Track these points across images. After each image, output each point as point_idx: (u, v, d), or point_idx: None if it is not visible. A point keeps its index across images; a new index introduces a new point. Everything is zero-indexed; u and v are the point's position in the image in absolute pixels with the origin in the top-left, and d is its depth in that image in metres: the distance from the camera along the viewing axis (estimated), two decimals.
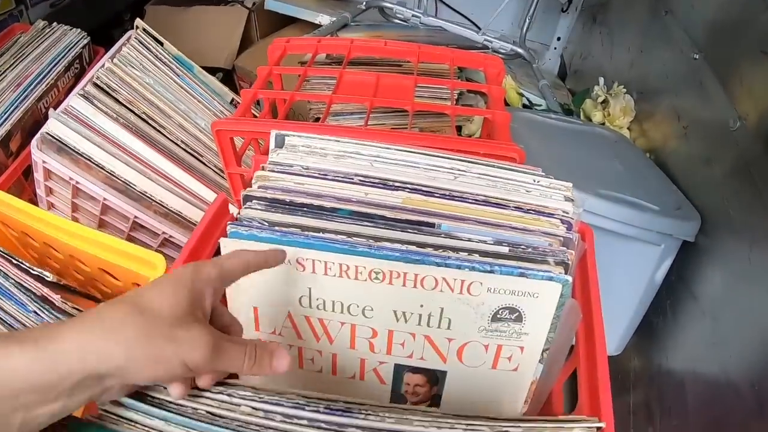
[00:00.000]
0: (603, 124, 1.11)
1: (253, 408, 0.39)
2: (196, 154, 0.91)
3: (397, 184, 0.51)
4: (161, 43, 0.96)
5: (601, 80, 1.16)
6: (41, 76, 1.03)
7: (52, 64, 1.06)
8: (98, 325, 0.37)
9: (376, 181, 0.51)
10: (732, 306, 0.73)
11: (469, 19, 1.69)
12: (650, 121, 1.06)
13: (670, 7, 1.03)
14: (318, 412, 0.38)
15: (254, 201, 0.50)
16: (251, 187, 0.52)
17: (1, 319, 0.60)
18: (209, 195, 0.86)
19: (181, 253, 0.53)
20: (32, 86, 1.02)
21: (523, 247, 0.47)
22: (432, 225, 0.48)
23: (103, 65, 0.88)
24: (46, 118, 0.94)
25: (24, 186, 0.94)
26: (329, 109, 0.73)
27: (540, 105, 1.21)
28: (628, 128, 1.11)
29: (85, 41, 1.11)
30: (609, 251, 0.77)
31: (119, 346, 0.37)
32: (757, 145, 0.71)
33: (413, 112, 0.72)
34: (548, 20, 1.64)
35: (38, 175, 0.88)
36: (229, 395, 0.39)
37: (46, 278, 0.61)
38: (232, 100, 1.00)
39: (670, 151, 0.97)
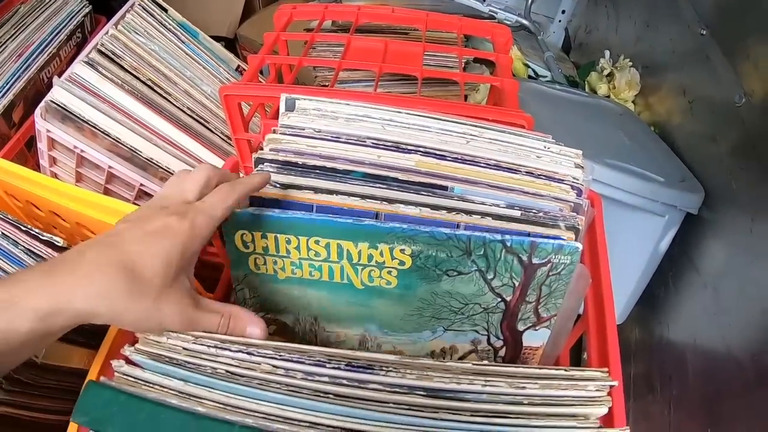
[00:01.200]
0: (608, 96, 1.11)
1: (274, 366, 0.39)
2: (202, 121, 0.90)
3: (409, 147, 0.51)
4: (165, 10, 0.95)
5: (607, 53, 1.16)
6: (43, 45, 1.02)
7: (54, 33, 1.05)
8: (86, 281, 0.38)
9: (389, 144, 0.51)
10: (733, 278, 0.74)
11: None
12: (655, 95, 1.06)
13: None
14: (339, 369, 0.38)
15: (266, 163, 0.50)
16: (262, 150, 0.52)
17: None
18: (216, 161, 0.86)
19: None
20: (34, 56, 1.01)
21: (534, 211, 0.47)
22: (445, 188, 0.48)
23: (107, 32, 0.87)
24: (48, 87, 0.93)
25: (27, 157, 0.93)
26: (337, 75, 0.72)
27: (545, 77, 1.20)
28: (633, 102, 1.11)
29: (87, 10, 1.09)
30: (614, 220, 0.77)
31: (103, 305, 0.38)
32: (762, 121, 0.71)
33: (422, 78, 0.72)
34: None
35: (42, 145, 0.88)
36: (248, 353, 0.40)
37: (56, 243, 0.60)
38: (238, 66, 0.99)
39: (675, 126, 0.97)
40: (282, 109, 0.57)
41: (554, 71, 1.20)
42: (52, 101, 0.82)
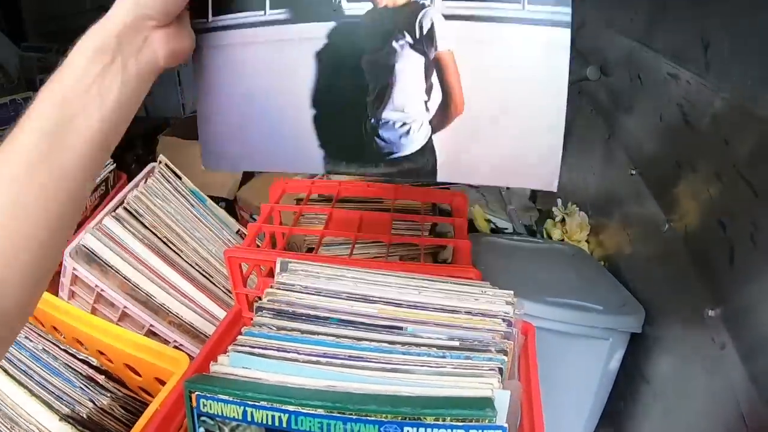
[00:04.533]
0: (562, 240, 1.28)
1: None
2: (207, 275, 1.06)
3: (374, 298, 0.66)
4: (180, 178, 1.14)
5: (559, 201, 1.34)
6: None
7: None
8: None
9: (358, 296, 0.66)
10: (678, 386, 0.84)
11: None
12: (604, 232, 1.22)
13: (612, 132, 1.21)
14: None
15: (265, 311, 0.65)
16: (262, 300, 0.67)
17: (52, 392, 0.73)
18: (217, 311, 1.01)
19: (201, 350, 0.69)
20: None
21: (470, 340, 0.61)
22: (400, 328, 0.63)
23: (131, 191, 1.05)
24: (79, 225, 1.08)
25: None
26: (321, 241, 0.90)
27: (507, 228, 1.38)
28: (586, 241, 1.26)
29: (111, 167, 1.29)
30: (561, 349, 0.91)
31: None
32: (682, 243, 0.85)
33: (390, 243, 0.89)
34: None
35: (65, 280, 1.02)
36: None
37: (91, 363, 0.74)
38: (238, 230, 1.16)
39: (621, 257, 1.12)
40: (277, 269, 0.73)
41: (515, 223, 1.37)
42: (83, 245, 0.97)
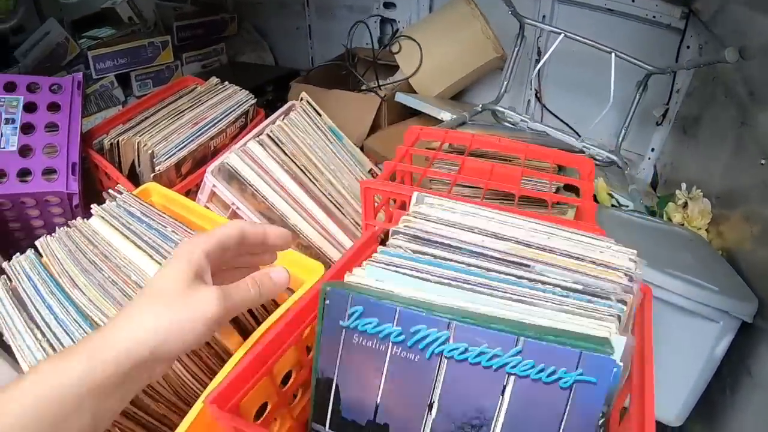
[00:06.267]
0: (682, 225, 1.27)
1: None
2: (338, 206, 1.13)
3: (505, 236, 0.70)
4: (320, 114, 1.22)
5: (683, 185, 1.32)
6: (215, 120, 1.32)
7: (225, 113, 1.35)
8: (126, 324, 0.48)
9: (490, 233, 0.70)
10: None
11: (570, 127, 1.88)
12: (725, 223, 1.20)
13: (745, 119, 1.18)
14: None
15: (400, 235, 0.70)
16: (398, 226, 0.72)
17: None
18: (345, 240, 1.08)
19: (336, 263, 0.74)
20: (207, 127, 1.31)
21: (593, 287, 0.65)
22: (528, 265, 0.67)
23: (274, 122, 1.13)
24: (213, 153, 1.24)
25: None
26: (453, 187, 0.94)
27: (628, 206, 1.37)
28: (706, 230, 1.25)
29: (252, 101, 1.39)
30: (670, 324, 0.91)
31: (148, 331, 0.47)
32: None
33: (519, 195, 0.92)
34: (644, 132, 1.81)
35: (202, 196, 1.12)
36: None
37: None
38: (370, 170, 1.23)
39: (739, 250, 1.10)
40: (413, 201, 0.78)
41: (636, 202, 1.36)
42: (227, 163, 1.06)
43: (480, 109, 1.64)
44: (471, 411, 0.56)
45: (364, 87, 1.94)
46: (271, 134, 1.11)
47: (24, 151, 1.22)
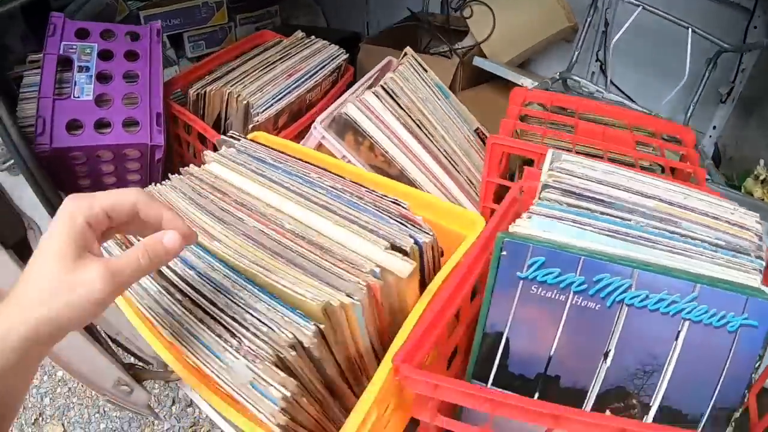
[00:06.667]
0: (763, 200, 1.32)
1: None
2: (453, 162, 1.16)
3: (649, 194, 0.76)
4: (426, 71, 1.24)
5: (762, 161, 1.37)
6: (310, 73, 1.35)
7: (320, 66, 1.38)
8: (18, 314, 0.46)
9: (634, 191, 0.76)
10: None
11: (632, 100, 1.90)
12: None
13: None
14: None
15: (551, 189, 0.76)
16: (547, 180, 0.77)
17: (366, 224, 0.69)
18: (461, 197, 1.12)
19: (493, 216, 0.78)
20: (303, 79, 1.33)
21: (733, 244, 0.70)
22: (675, 222, 0.72)
23: (388, 75, 1.15)
24: (308, 107, 1.28)
25: None
26: (574, 148, 0.99)
27: (708, 178, 1.42)
28: None
29: (345, 56, 1.42)
30: None
31: (40, 324, 0.46)
32: None
33: (637, 158, 0.97)
34: (706, 110, 1.84)
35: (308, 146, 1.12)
36: None
37: (402, 204, 0.74)
38: (477, 128, 1.27)
39: None
40: (550, 160, 0.83)
41: (714, 176, 1.41)
42: (345, 113, 1.08)
43: (558, 77, 1.68)
44: (645, 357, 0.63)
45: (433, 51, 1.97)
46: (385, 86, 1.12)
47: (101, 101, 1.18)
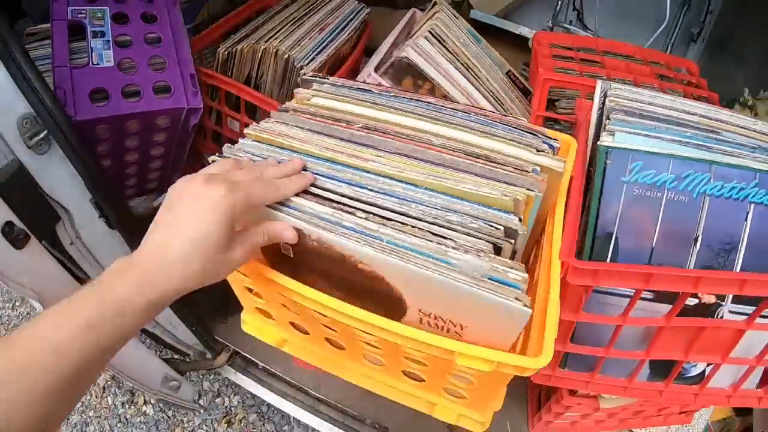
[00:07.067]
0: None
1: None
2: (499, 101, 1.26)
3: (691, 112, 0.89)
4: (457, 18, 1.32)
5: (746, 90, 1.55)
6: (341, 26, 1.38)
7: (347, 19, 1.41)
8: (183, 266, 0.54)
9: (680, 110, 0.89)
10: None
11: None
12: None
13: None
14: None
15: (616, 111, 0.88)
16: (612, 104, 0.90)
17: (505, 136, 0.76)
18: None
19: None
20: (335, 32, 1.35)
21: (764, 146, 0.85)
22: (718, 132, 0.86)
23: (427, 22, 1.23)
24: (344, 59, 1.29)
25: None
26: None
27: None
28: None
29: (367, 10, 1.46)
30: None
31: (194, 278, 0.55)
32: None
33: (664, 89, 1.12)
34: (679, 50, 2.01)
35: None
36: None
37: (522, 120, 0.82)
38: (508, 71, 1.38)
39: None
40: (599, 91, 0.96)
41: None
42: (406, 57, 1.15)
43: (551, 25, 1.82)
44: (724, 237, 0.78)
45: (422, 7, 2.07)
46: (433, 32, 1.21)
47: (124, 68, 1.09)
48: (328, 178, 0.69)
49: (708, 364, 0.89)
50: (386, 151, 0.72)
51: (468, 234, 0.62)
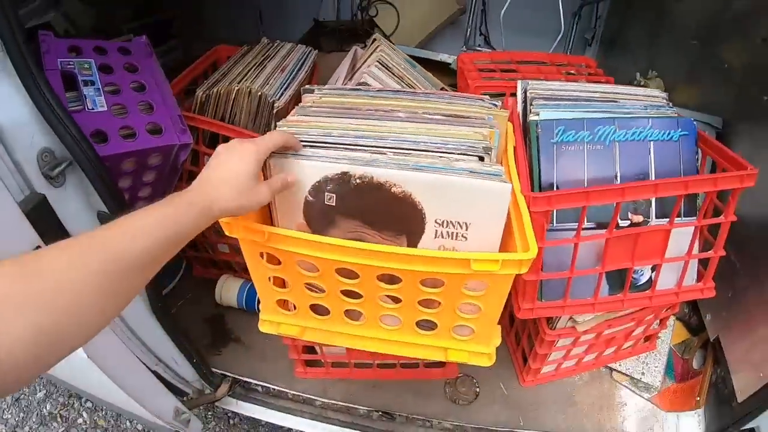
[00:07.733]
0: None
1: None
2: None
3: (592, 90, 1.15)
4: (394, 49, 1.58)
5: (638, 74, 1.84)
6: (298, 66, 1.52)
7: (301, 60, 1.55)
8: (221, 197, 0.73)
9: (585, 90, 1.15)
10: None
11: None
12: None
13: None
14: None
15: (538, 99, 1.13)
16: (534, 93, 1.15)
17: (465, 103, 0.94)
18: None
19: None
20: (294, 71, 1.49)
21: (655, 105, 1.11)
22: (617, 101, 1.12)
23: (372, 54, 1.48)
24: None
25: None
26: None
27: None
28: None
29: (315, 52, 1.63)
30: None
31: (228, 209, 0.74)
32: None
33: (569, 82, 1.38)
34: (576, 54, 2.32)
35: None
36: None
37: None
38: (442, 88, 1.61)
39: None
40: (521, 87, 1.20)
41: None
42: (365, 83, 1.35)
43: (464, 50, 2.10)
44: (638, 171, 1.04)
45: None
46: (381, 61, 1.46)
47: (117, 112, 1.16)
48: (358, 137, 0.92)
49: (652, 270, 1.13)
50: (391, 119, 0.99)
51: (461, 153, 0.89)
